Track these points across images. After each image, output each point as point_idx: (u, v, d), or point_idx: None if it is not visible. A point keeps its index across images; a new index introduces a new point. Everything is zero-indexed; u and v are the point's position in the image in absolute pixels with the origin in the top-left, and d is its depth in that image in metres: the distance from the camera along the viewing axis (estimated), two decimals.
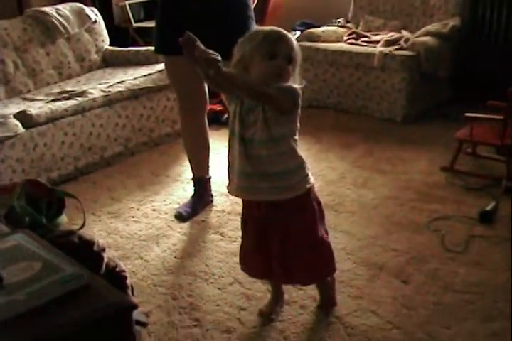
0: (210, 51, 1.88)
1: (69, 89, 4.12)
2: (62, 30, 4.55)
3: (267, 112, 2.02)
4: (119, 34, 5.70)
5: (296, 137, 2.12)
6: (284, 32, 2.07)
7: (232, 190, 2.20)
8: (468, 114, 3.55)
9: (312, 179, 2.18)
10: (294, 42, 2.07)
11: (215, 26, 2.91)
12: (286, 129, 2.07)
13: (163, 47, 3.12)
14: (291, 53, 2.03)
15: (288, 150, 2.08)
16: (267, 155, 2.05)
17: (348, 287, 2.59)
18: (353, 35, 5.12)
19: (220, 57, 1.86)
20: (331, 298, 2.49)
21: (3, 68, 4.17)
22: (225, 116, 4.69)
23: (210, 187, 3.45)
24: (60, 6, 4.74)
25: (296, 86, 2.04)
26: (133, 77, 4.30)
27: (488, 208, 3.12)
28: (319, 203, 2.25)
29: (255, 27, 3.06)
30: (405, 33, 4.94)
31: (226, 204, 3.40)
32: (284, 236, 2.19)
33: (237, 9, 2.98)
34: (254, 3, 5.05)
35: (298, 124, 2.11)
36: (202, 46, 1.89)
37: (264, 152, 2.05)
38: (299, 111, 2.08)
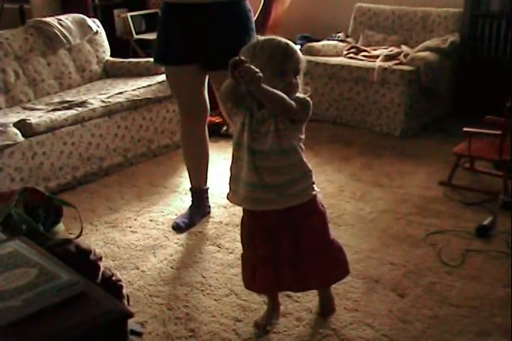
0: (254, 69, 1.91)
1: (69, 99, 4.12)
2: (64, 40, 4.56)
3: (278, 123, 2.06)
4: (120, 45, 5.73)
5: (302, 144, 2.17)
6: (290, 46, 2.10)
7: (238, 200, 2.22)
8: (466, 129, 3.56)
9: (317, 188, 2.23)
10: (299, 54, 2.12)
11: (217, 37, 2.93)
12: (295, 139, 2.12)
13: (165, 58, 3.13)
14: (298, 67, 2.10)
15: (297, 162, 2.14)
16: (276, 167, 2.09)
17: (344, 299, 2.58)
18: (353, 50, 5.14)
19: (261, 74, 1.90)
20: (331, 304, 2.50)
21: (4, 77, 4.18)
22: (224, 128, 4.71)
23: (207, 198, 3.45)
24: (62, 17, 4.75)
25: (307, 97, 2.11)
26: (133, 88, 4.31)
27: (486, 223, 3.12)
28: (324, 207, 2.30)
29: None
30: (405, 48, 4.97)
31: (224, 216, 3.40)
32: (295, 241, 2.21)
33: (237, 20, 2.99)
34: (255, 17, 5.09)
35: (303, 134, 2.17)
36: (248, 65, 1.93)
37: (274, 163, 2.09)
38: (307, 121, 2.15)
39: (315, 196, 2.22)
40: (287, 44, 2.10)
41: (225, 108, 2.54)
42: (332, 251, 2.32)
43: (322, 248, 2.27)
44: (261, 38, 2.12)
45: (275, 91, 1.99)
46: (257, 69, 1.91)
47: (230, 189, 2.23)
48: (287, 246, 2.21)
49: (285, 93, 2.03)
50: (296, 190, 2.14)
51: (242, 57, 1.96)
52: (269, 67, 2.03)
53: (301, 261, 2.23)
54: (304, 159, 2.16)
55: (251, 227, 2.27)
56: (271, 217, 2.18)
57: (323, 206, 2.29)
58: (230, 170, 2.21)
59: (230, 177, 2.21)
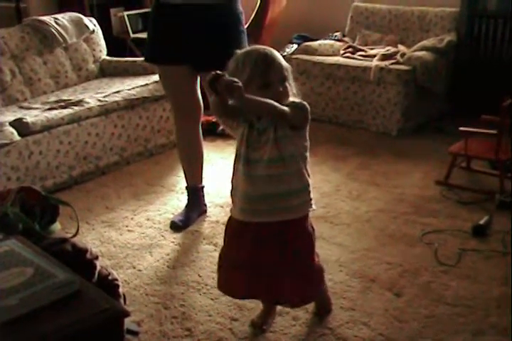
0: (233, 79, 1.88)
1: (65, 98, 4.12)
2: (60, 39, 4.56)
3: (278, 131, 2.04)
4: (116, 44, 5.72)
5: (307, 154, 2.14)
6: (269, 55, 2.04)
7: (235, 212, 2.19)
8: (462, 129, 3.56)
9: (314, 205, 2.18)
10: (282, 60, 2.06)
11: (206, 38, 2.94)
12: (296, 147, 2.09)
13: (156, 57, 3.16)
14: (283, 74, 2.05)
15: (295, 171, 2.10)
16: (273, 175, 2.06)
17: (340, 299, 2.58)
18: (350, 49, 5.14)
19: (240, 83, 1.86)
20: (328, 304, 2.50)
21: (0, 76, 4.18)
22: (221, 127, 4.70)
23: (203, 196, 3.45)
24: (58, 16, 4.75)
25: (303, 101, 2.08)
26: (129, 87, 4.31)
27: (482, 222, 3.13)
28: (313, 229, 2.24)
29: (246, 41, 3.07)
30: (402, 48, 4.97)
31: (221, 215, 3.39)
32: (282, 251, 2.15)
33: (228, 22, 3.01)
34: (252, 17, 5.09)
35: (308, 141, 2.14)
36: (226, 77, 1.89)
37: (270, 172, 2.05)
38: (308, 126, 2.11)
39: (307, 215, 2.18)
40: (266, 54, 2.03)
41: (221, 123, 2.50)
42: (312, 272, 2.26)
43: (302, 269, 2.21)
44: (240, 51, 2.06)
45: (262, 99, 1.95)
46: (236, 79, 1.87)
47: (232, 202, 2.20)
48: (270, 258, 2.16)
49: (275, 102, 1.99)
50: (291, 204, 2.10)
51: (218, 71, 1.91)
52: (253, 81, 1.99)
53: (283, 271, 2.17)
54: (304, 171, 2.12)
55: (238, 233, 2.21)
56: (263, 228, 2.14)
57: (312, 227, 2.23)
58: (231, 182, 2.17)
59: (231, 190, 2.18)
